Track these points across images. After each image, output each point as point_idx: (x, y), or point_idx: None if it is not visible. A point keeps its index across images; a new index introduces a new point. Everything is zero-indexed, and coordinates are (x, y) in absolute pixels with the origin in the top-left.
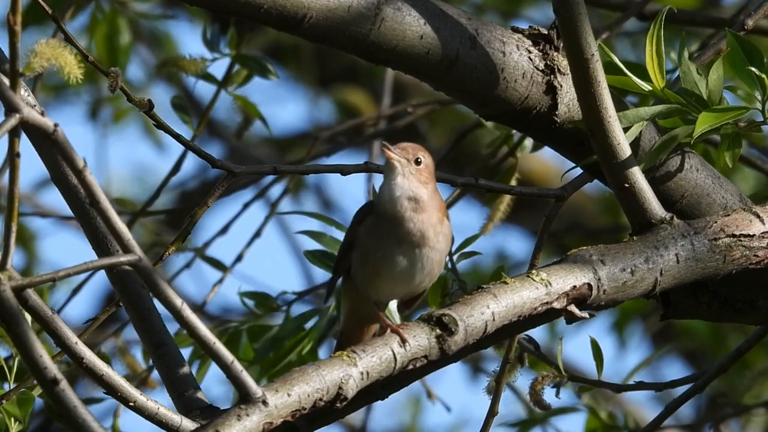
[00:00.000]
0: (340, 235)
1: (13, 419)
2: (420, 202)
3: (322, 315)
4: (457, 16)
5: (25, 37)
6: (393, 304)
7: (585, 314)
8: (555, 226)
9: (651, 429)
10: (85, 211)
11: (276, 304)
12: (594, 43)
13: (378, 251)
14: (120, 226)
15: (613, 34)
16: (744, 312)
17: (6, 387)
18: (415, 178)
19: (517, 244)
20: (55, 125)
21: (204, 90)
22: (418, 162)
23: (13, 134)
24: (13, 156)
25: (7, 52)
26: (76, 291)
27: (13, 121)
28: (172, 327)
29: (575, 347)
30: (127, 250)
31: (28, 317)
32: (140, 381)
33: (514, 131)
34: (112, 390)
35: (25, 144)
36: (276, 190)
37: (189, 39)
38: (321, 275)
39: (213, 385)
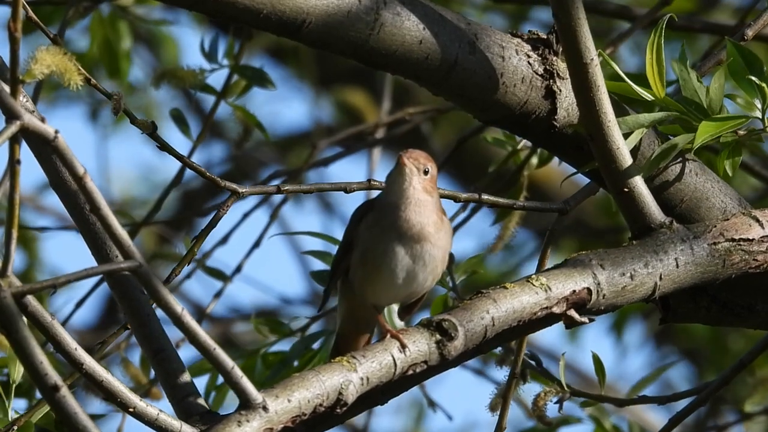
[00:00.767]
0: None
1: None
2: (421, 201)
3: (329, 336)
4: (456, 20)
5: (27, 43)
6: (394, 312)
7: (584, 319)
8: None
9: None
10: (85, 217)
11: (289, 329)
12: (593, 47)
13: (379, 246)
14: (120, 232)
15: (616, 48)
16: (743, 316)
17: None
18: (421, 187)
19: (521, 245)
20: (56, 132)
21: (205, 94)
22: (425, 172)
23: (14, 141)
24: (13, 163)
25: (7, 58)
26: (80, 303)
27: (14, 128)
28: (171, 332)
29: (575, 348)
30: (127, 256)
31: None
32: (144, 392)
33: (520, 146)
34: (111, 396)
35: (24, 148)
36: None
37: (189, 39)
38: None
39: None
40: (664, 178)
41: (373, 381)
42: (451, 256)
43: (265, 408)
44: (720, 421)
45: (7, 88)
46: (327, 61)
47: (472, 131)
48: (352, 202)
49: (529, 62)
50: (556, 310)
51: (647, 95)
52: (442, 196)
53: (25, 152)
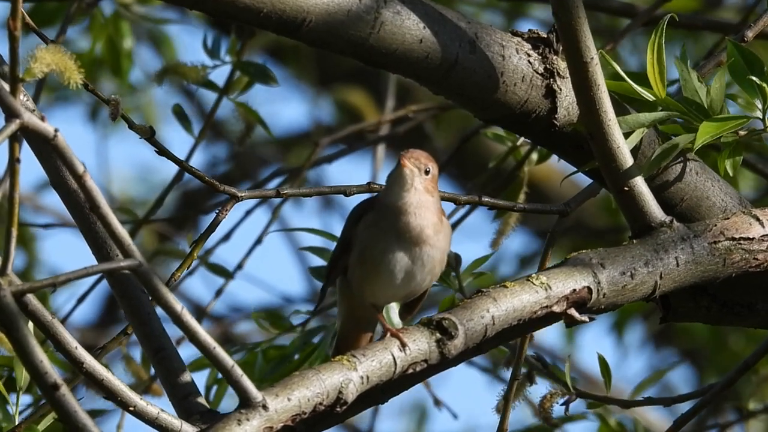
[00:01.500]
0: None
1: None
2: (422, 203)
3: (329, 330)
4: (456, 19)
5: (27, 42)
6: (395, 311)
7: (585, 318)
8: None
9: None
10: (85, 216)
11: (290, 324)
12: (593, 46)
13: (377, 245)
14: (120, 231)
15: (616, 45)
16: (743, 315)
17: (12, 398)
18: (422, 187)
19: (521, 245)
20: (56, 131)
21: (206, 91)
22: (426, 172)
23: (14, 140)
24: (13, 161)
25: (7, 57)
26: (80, 300)
27: (14, 126)
28: (172, 331)
29: (575, 347)
30: (127, 255)
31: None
32: (145, 388)
33: (519, 143)
34: (112, 395)
35: (24, 147)
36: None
37: (190, 40)
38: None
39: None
40: (664, 177)
41: (373, 380)
42: (457, 256)
43: (264, 407)
44: (721, 420)
45: (7, 87)
46: (327, 60)
47: (474, 130)
48: (351, 201)
49: (529, 61)
50: (557, 309)
51: (648, 95)
52: (443, 199)
53: (25, 152)
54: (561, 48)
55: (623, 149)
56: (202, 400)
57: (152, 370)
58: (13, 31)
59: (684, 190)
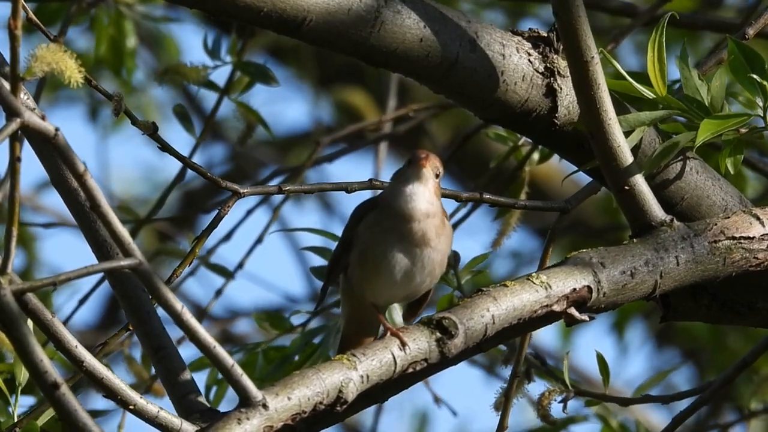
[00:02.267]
0: None
1: None
2: (430, 210)
3: (330, 330)
4: (456, 18)
5: (29, 42)
6: (397, 311)
7: (585, 317)
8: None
9: None
10: (85, 215)
11: (290, 325)
12: (594, 45)
13: (379, 246)
14: (120, 229)
15: (617, 44)
16: (743, 314)
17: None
18: (433, 190)
19: (520, 243)
20: (56, 129)
21: (207, 91)
22: (437, 175)
23: (14, 138)
24: (14, 160)
25: (8, 56)
26: (82, 301)
27: (14, 125)
28: (173, 331)
29: (576, 347)
30: (127, 253)
31: (30, 323)
32: (146, 388)
33: (521, 142)
34: (112, 394)
35: (25, 147)
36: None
37: (191, 40)
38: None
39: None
40: (664, 176)
41: (373, 379)
42: (456, 254)
43: (265, 406)
44: (721, 420)
45: (7, 86)
46: (327, 61)
47: (475, 128)
48: (351, 202)
49: (529, 60)
50: (557, 308)
51: (649, 93)
52: (444, 196)
53: (26, 151)
54: (561, 47)
55: (623, 148)
56: (202, 398)
57: (153, 370)
58: (13, 30)
59: (684, 189)
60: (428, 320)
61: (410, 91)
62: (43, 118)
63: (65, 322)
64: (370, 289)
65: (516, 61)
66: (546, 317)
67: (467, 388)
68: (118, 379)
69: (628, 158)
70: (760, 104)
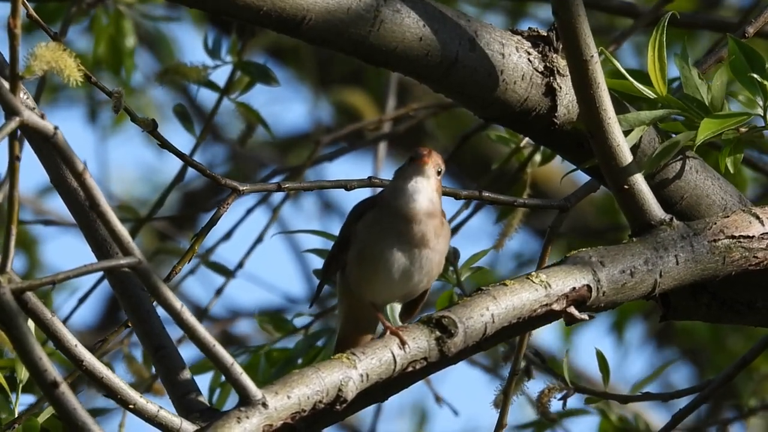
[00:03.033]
0: None
1: None
2: (431, 209)
3: (333, 333)
4: (456, 17)
5: (28, 41)
6: (395, 309)
7: (584, 316)
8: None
9: None
10: (85, 214)
11: (293, 327)
12: (593, 44)
13: (377, 245)
14: (120, 228)
15: (619, 46)
16: (743, 313)
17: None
18: (435, 186)
19: (520, 244)
20: (55, 128)
21: (206, 92)
22: (439, 173)
23: (13, 137)
24: (13, 159)
25: (7, 55)
26: (82, 300)
27: (13, 124)
28: (173, 330)
29: (576, 347)
30: (127, 252)
31: (30, 322)
32: (146, 388)
33: (522, 144)
34: (111, 393)
35: (26, 147)
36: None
37: (191, 40)
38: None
39: None
40: (664, 176)
41: (373, 378)
42: (456, 251)
43: (264, 404)
44: (721, 418)
45: (6, 85)
46: (327, 61)
47: (475, 128)
48: (351, 202)
49: (529, 59)
50: (556, 307)
51: (649, 92)
52: (443, 194)
53: (26, 152)
54: (561, 46)
55: (623, 147)
56: (202, 398)
57: (153, 369)
58: (13, 29)
59: (684, 188)
60: (428, 319)
61: (410, 90)
62: (42, 117)
63: (65, 321)
64: (367, 288)
65: (515, 60)
66: (545, 316)
67: (470, 388)
68: (118, 378)
69: (627, 157)
70: (760, 103)
